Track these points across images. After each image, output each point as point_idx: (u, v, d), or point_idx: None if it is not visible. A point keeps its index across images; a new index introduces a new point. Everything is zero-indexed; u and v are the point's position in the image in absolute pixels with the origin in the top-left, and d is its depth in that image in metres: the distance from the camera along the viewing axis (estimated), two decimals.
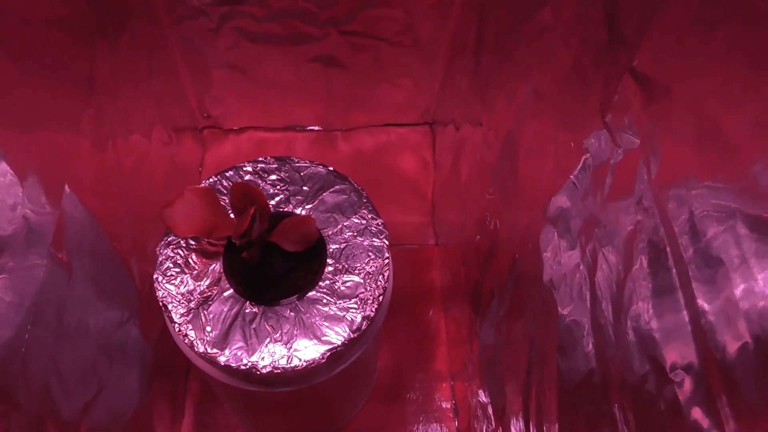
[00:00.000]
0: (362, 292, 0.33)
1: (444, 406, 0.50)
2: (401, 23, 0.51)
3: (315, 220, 0.33)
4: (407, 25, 0.51)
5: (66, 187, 0.31)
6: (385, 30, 0.51)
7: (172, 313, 0.32)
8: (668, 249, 0.19)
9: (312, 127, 0.61)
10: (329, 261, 0.34)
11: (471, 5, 0.45)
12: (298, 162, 0.37)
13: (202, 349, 0.31)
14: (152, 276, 0.33)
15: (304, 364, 0.31)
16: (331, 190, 0.36)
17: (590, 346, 0.24)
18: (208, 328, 0.32)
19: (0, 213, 0.26)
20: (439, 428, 0.50)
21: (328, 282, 0.33)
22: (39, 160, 0.29)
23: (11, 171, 0.27)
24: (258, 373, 0.31)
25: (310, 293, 0.33)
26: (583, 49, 0.25)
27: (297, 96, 0.58)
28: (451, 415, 0.50)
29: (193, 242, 0.34)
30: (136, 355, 0.40)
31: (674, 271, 0.19)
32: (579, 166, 0.26)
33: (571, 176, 0.27)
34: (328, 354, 0.31)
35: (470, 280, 0.45)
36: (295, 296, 0.33)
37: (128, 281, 0.39)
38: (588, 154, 0.25)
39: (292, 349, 0.31)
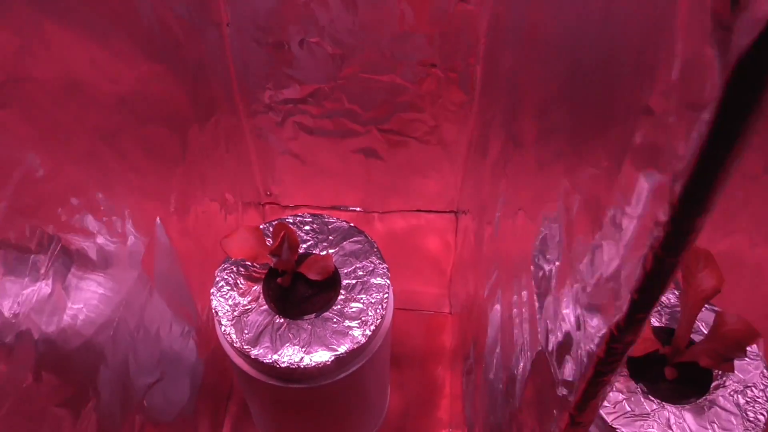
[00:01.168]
0: (364, 317, 0.43)
1: None
2: (429, 125, 0.63)
3: (332, 258, 0.44)
4: (434, 126, 0.63)
5: (157, 219, 0.43)
6: (415, 130, 0.64)
7: (221, 318, 0.43)
8: None
9: (354, 208, 0.73)
10: (342, 291, 0.44)
11: (481, 115, 0.57)
12: (327, 218, 0.48)
13: (239, 345, 0.41)
14: (209, 299, 0.44)
15: (314, 364, 0.41)
16: (351, 240, 0.47)
17: None
18: (246, 331, 0.42)
19: (110, 235, 0.38)
20: None
21: (339, 307, 0.43)
22: (141, 204, 0.41)
23: (126, 208, 0.39)
24: (279, 367, 0.40)
25: (325, 313, 0.43)
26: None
27: (342, 181, 0.70)
28: None
29: (242, 269, 0.45)
30: (190, 364, 0.50)
31: None
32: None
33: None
34: (333, 359, 0.41)
35: (465, 345, 0.54)
36: (314, 314, 0.43)
37: (191, 303, 0.50)
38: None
39: (306, 352, 0.41)
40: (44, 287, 0.30)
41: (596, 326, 0.16)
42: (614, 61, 0.16)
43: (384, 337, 0.44)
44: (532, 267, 0.24)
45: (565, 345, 0.19)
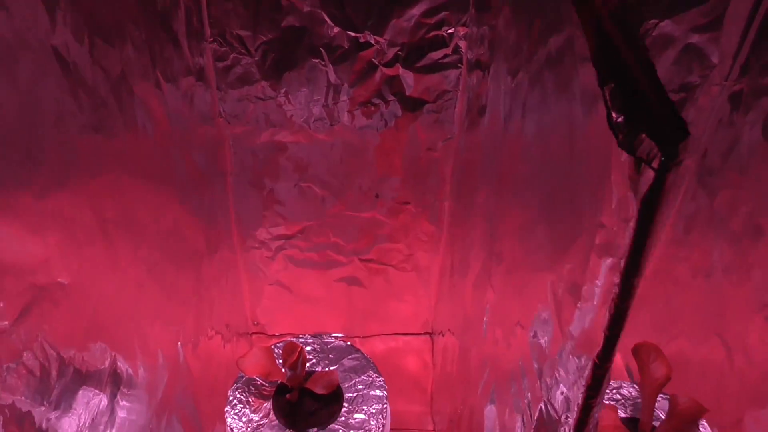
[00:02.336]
0: (367, 427, 0.47)
1: None
2: (404, 253, 0.71)
3: (337, 373, 0.49)
4: (408, 255, 0.71)
5: (179, 344, 0.48)
6: (392, 258, 0.71)
7: None
8: None
9: (336, 334, 0.78)
10: (345, 404, 0.49)
11: (450, 244, 0.66)
12: (327, 338, 0.54)
13: None
14: (215, 425, 0.48)
15: None
16: (349, 357, 0.52)
17: None
18: None
19: (144, 357, 0.43)
20: None
21: (344, 418, 0.48)
22: (166, 330, 0.46)
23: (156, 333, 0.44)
24: None
25: (331, 425, 0.47)
26: None
27: (326, 308, 0.76)
28: None
29: (252, 387, 0.49)
30: None
31: None
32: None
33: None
34: None
35: None
36: (321, 427, 0.47)
37: (199, 425, 0.54)
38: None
39: None
40: (104, 399, 0.34)
41: (583, 364, 0.22)
42: (578, 192, 0.24)
43: None
44: (529, 349, 0.31)
45: (565, 399, 0.25)
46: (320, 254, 0.71)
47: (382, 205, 0.66)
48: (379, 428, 0.47)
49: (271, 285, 0.74)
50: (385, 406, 0.49)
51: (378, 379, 0.51)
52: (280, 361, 0.50)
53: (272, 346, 0.51)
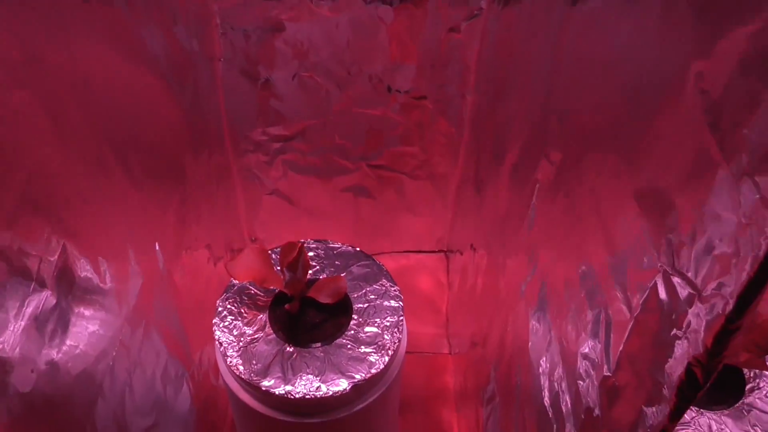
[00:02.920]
0: (380, 341, 0.40)
1: None
2: (419, 159, 0.62)
3: (344, 279, 0.41)
4: (423, 160, 0.63)
5: (156, 245, 0.40)
6: (405, 164, 0.63)
7: (226, 349, 0.39)
8: None
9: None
10: (354, 316, 0.42)
11: (472, 148, 0.57)
12: (332, 244, 0.46)
13: (247, 377, 0.38)
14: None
15: (331, 393, 0.38)
16: (358, 264, 0.45)
17: None
18: (254, 362, 0.39)
19: (111, 257, 0.35)
20: None
21: (352, 332, 0.41)
22: (142, 227, 0.39)
23: (128, 228, 0.37)
24: (292, 398, 0.37)
25: (338, 340, 0.40)
26: None
27: (330, 222, 0.68)
28: None
29: (245, 297, 0.42)
30: (184, 413, 0.46)
31: None
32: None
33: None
34: (351, 386, 0.38)
35: (479, 386, 0.51)
36: (326, 342, 0.40)
37: (186, 345, 0.47)
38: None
39: (323, 381, 0.38)
40: (50, 297, 0.27)
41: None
42: None
43: (401, 363, 0.42)
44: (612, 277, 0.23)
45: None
46: (324, 159, 0.62)
47: (395, 100, 0.58)
48: (395, 343, 0.40)
49: (269, 195, 0.66)
50: (401, 318, 0.42)
51: (393, 289, 0.43)
52: (278, 268, 0.42)
53: (269, 251, 0.44)
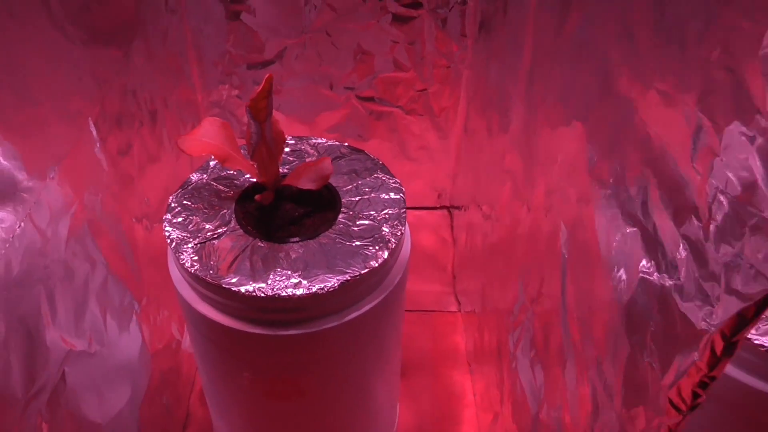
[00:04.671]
0: (377, 234, 0.31)
1: None
2: (415, 89, 0.54)
3: (329, 161, 0.33)
4: (421, 90, 0.55)
5: (90, 120, 0.32)
6: (400, 96, 0.55)
7: (179, 246, 0.30)
8: None
9: None
10: (343, 210, 0.33)
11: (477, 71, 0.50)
12: (315, 139, 0.38)
13: (203, 275, 0.29)
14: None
15: (315, 290, 0.28)
16: (348, 158, 0.36)
17: None
18: (214, 259, 0.30)
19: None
20: None
21: (341, 226, 0.32)
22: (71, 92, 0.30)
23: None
24: (263, 296, 0.28)
25: (323, 234, 0.31)
26: None
27: None
28: None
29: (205, 192, 0.33)
30: (134, 355, 0.37)
31: None
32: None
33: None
34: (341, 283, 0.29)
35: (498, 341, 0.42)
36: (308, 237, 0.31)
37: (135, 268, 0.37)
38: None
39: (302, 277, 0.29)
40: None
41: None
42: None
43: (404, 265, 0.33)
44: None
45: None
46: (305, 91, 0.54)
47: (386, 10, 0.50)
48: (396, 236, 0.31)
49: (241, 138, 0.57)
50: (403, 211, 0.33)
51: (391, 181, 0.35)
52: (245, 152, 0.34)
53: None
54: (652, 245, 0.17)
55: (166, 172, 0.44)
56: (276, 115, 0.47)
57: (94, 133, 0.32)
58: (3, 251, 0.25)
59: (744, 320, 0.13)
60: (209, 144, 0.31)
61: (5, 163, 0.26)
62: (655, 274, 0.17)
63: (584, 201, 0.23)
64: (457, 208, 0.60)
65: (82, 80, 0.32)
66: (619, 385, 0.19)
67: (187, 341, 0.48)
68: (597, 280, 0.21)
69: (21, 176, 0.26)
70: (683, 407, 0.15)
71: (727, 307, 0.13)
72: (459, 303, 0.55)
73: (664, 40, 0.17)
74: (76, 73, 0.31)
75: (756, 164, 0.14)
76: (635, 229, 0.18)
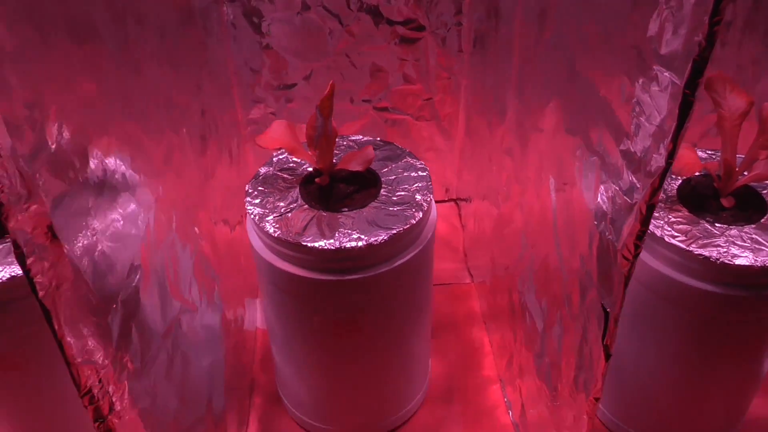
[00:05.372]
0: (412, 200, 0.41)
1: (496, 402, 0.52)
2: (422, 98, 0.64)
3: (372, 149, 0.42)
4: (427, 99, 0.65)
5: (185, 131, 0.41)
6: (410, 106, 0.65)
7: (263, 218, 0.40)
8: None
9: None
10: (383, 186, 0.42)
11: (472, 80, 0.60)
12: (353, 137, 0.47)
13: (285, 237, 0.38)
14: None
15: (372, 241, 0.38)
16: (382, 149, 0.46)
17: None
18: (291, 226, 0.39)
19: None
20: (494, 422, 0.51)
21: (384, 198, 0.41)
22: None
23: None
24: (334, 249, 0.38)
25: (370, 204, 0.41)
26: None
27: None
28: (505, 409, 0.52)
29: (273, 180, 0.43)
30: (216, 338, 0.45)
31: None
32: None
33: None
34: (390, 236, 0.38)
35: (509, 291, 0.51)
36: (359, 207, 0.41)
37: (216, 280, 0.47)
38: None
39: (360, 233, 0.38)
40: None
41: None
42: None
43: (433, 226, 0.42)
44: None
45: None
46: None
47: (395, 33, 0.60)
48: (426, 201, 0.41)
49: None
50: (429, 183, 0.42)
51: (417, 163, 0.44)
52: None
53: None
54: (607, 166, 0.27)
55: (224, 176, 0.54)
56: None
57: (188, 142, 0.41)
58: (144, 224, 0.35)
59: (654, 191, 0.23)
60: (280, 140, 0.41)
61: (129, 170, 0.35)
62: (610, 182, 0.27)
63: (566, 153, 0.32)
64: (464, 200, 0.69)
65: (171, 101, 0.42)
66: (594, 264, 0.29)
67: (248, 320, 0.57)
68: (575, 204, 0.31)
69: (140, 178, 0.36)
70: (630, 256, 0.24)
71: (644, 186, 0.23)
72: (471, 276, 0.65)
73: (605, 38, 0.27)
74: (172, 96, 0.41)
75: (662, 104, 0.23)
76: (595, 158, 0.28)
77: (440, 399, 0.53)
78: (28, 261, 0.23)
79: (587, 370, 0.32)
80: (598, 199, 0.28)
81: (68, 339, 0.26)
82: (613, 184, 0.26)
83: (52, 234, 0.24)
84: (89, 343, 0.27)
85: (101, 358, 0.28)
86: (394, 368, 0.47)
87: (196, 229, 0.42)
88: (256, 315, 0.61)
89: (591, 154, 0.29)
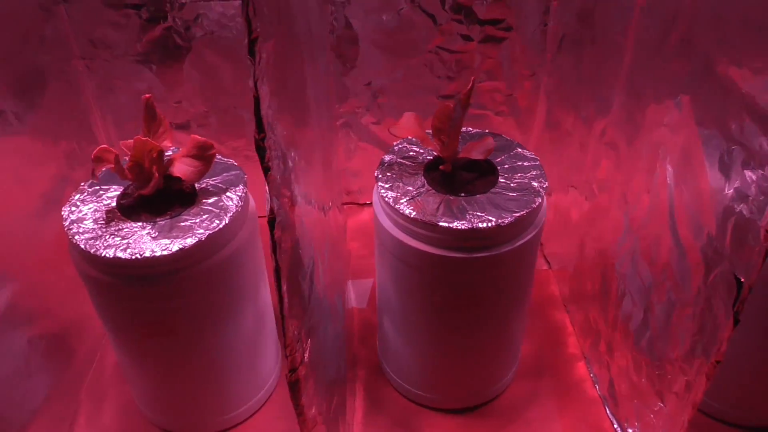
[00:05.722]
0: (529, 187, 0.45)
1: (582, 377, 0.56)
2: (504, 94, 0.68)
3: (492, 138, 0.46)
4: (508, 95, 0.69)
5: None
6: (491, 101, 0.69)
7: (396, 201, 0.44)
8: None
9: None
10: (501, 173, 0.46)
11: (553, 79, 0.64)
12: (464, 129, 0.51)
13: (423, 218, 0.42)
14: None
15: (498, 223, 0.42)
16: (493, 139, 0.50)
17: None
18: (424, 208, 0.43)
19: None
20: (582, 395, 0.55)
21: (503, 184, 0.45)
22: None
23: None
24: (465, 228, 0.42)
25: (492, 190, 0.45)
26: None
27: None
28: (591, 383, 0.56)
29: (398, 167, 0.47)
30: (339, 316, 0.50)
31: None
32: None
33: None
34: (515, 218, 0.42)
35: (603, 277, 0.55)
36: (482, 193, 0.45)
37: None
38: None
39: (488, 215, 0.42)
40: None
41: None
42: None
43: (545, 214, 0.46)
44: None
45: None
46: (417, 100, 0.68)
47: (483, 32, 0.64)
48: (543, 187, 0.45)
49: (363, 142, 0.71)
50: (542, 172, 0.46)
51: (527, 153, 0.48)
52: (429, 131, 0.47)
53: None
54: (750, 153, 0.31)
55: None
56: (392, 122, 0.61)
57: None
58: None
59: None
60: (411, 130, 0.45)
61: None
62: (752, 168, 0.31)
63: (694, 143, 0.36)
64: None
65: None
66: (728, 241, 0.33)
67: (346, 300, 0.61)
68: (702, 189, 0.35)
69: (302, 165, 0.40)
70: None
71: None
72: (549, 263, 0.69)
73: (746, 38, 0.31)
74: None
75: None
76: (735, 147, 0.32)
77: (530, 374, 0.57)
78: (277, 226, 0.27)
79: (709, 335, 0.36)
80: (737, 183, 0.32)
81: (284, 296, 0.30)
82: (758, 169, 0.30)
83: (292, 203, 0.28)
84: (294, 299, 0.32)
85: (301, 314, 0.33)
86: (499, 342, 0.51)
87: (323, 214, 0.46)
88: (351, 296, 0.65)
89: (730, 144, 0.33)
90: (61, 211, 0.44)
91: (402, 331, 0.51)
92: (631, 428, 0.50)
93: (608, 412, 0.53)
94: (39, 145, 0.53)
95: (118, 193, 0.46)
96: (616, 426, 0.52)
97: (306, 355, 0.34)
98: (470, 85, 0.42)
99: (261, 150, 0.26)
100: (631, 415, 0.50)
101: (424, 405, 0.54)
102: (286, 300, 0.30)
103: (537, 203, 0.44)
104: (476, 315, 0.47)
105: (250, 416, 0.54)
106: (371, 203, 0.76)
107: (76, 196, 0.46)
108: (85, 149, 0.62)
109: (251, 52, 0.25)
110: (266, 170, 0.27)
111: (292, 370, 0.33)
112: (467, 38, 0.64)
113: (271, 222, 0.27)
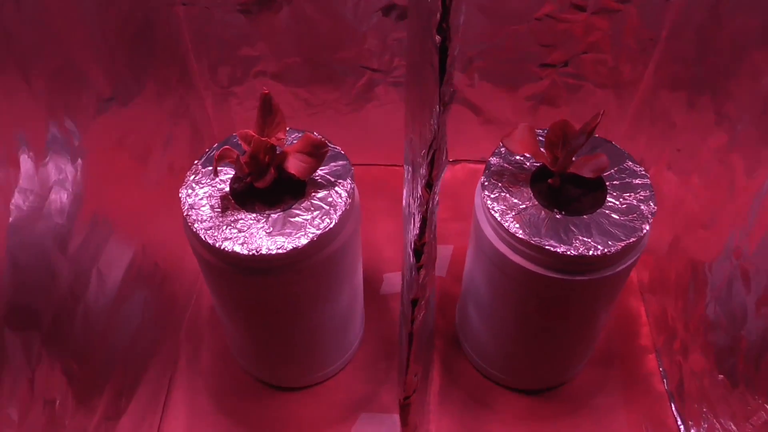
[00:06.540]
0: (638, 211, 0.45)
1: (652, 371, 0.59)
2: (608, 66, 0.65)
3: (606, 157, 0.46)
4: (612, 68, 0.65)
5: None
6: (594, 72, 0.66)
7: (503, 215, 0.44)
8: None
9: None
10: (609, 191, 0.46)
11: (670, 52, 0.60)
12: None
13: (530, 240, 0.43)
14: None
15: (605, 251, 0.42)
16: (602, 148, 0.49)
17: None
18: (529, 226, 0.44)
19: None
20: (649, 389, 0.58)
21: (611, 204, 0.45)
22: None
23: None
24: (573, 254, 0.42)
25: (599, 210, 0.45)
26: None
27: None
28: (660, 378, 0.58)
29: (505, 176, 0.47)
30: None
31: None
32: None
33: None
34: (620, 249, 0.42)
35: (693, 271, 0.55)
36: (589, 212, 0.45)
37: None
38: None
39: (594, 242, 0.43)
40: None
41: None
42: None
43: (648, 238, 0.46)
44: None
45: None
46: (516, 67, 0.66)
47: (596, 3, 0.60)
48: (652, 212, 0.44)
49: (456, 103, 0.70)
50: (652, 192, 0.46)
51: (638, 168, 0.47)
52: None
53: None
54: None
55: None
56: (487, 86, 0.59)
57: None
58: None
59: None
60: (524, 143, 0.44)
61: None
62: None
63: None
64: None
65: None
66: None
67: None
68: None
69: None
70: None
71: None
72: None
73: None
74: None
75: None
76: None
77: (600, 362, 0.59)
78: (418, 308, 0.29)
79: None
80: None
81: (411, 358, 0.32)
82: None
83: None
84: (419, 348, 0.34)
85: (422, 357, 0.35)
86: (581, 341, 0.53)
87: None
88: None
89: None
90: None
91: (486, 321, 0.53)
92: (695, 428, 0.52)
93: (674, 409, 0.56)
94: (148, 102, 0.54)
95: (230, 176, 0.47)
96: (680, 424, 0.55)
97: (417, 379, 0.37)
98: (598, 120, 0.41)
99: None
100: (697, 417, 0.52)
101: (496, 382, 0.58)
102: (413, 356, 0.32)
103: (644, 231, 0.44)
104: (565, 321, 0.49)
105: (335, 374, 0.58)
106: (453, 161, 0.76)
107: (191, 177, 0.47)
108: (185, 98, 0.63)
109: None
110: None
111: (407, 398, 0.36)
112: (580, 8, 0.61)
113: (414, 302, 0.28)
